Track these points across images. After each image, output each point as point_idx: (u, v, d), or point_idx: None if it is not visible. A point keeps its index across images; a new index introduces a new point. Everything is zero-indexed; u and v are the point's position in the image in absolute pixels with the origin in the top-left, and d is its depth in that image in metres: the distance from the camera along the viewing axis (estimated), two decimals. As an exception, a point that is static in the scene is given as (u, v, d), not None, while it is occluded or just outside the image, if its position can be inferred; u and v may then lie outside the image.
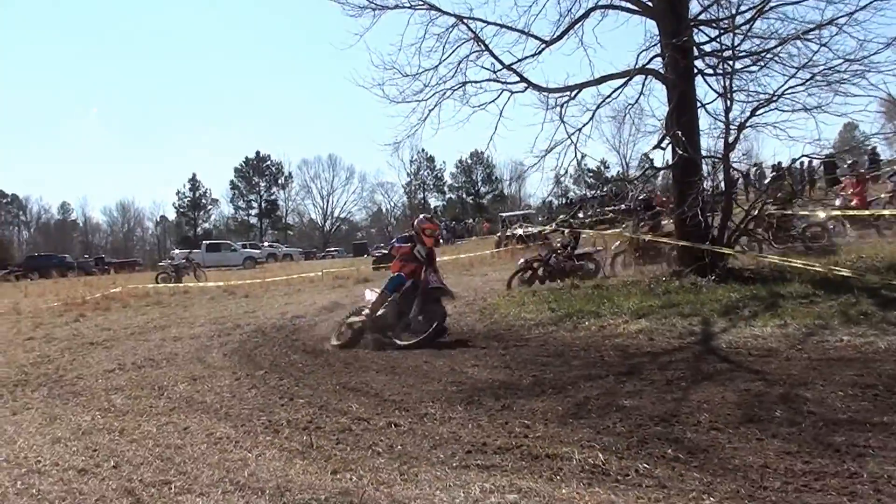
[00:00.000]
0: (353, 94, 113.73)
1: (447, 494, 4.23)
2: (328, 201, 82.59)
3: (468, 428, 5.60)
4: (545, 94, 13.67)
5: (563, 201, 58.58)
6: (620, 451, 4.78)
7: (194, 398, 7.43)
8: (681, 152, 11.93)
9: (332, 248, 67.26)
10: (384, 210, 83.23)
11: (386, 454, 5.12)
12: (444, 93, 13.69)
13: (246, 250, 52.48)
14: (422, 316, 10.16)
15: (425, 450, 5.15)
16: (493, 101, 13.72)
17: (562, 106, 13.59)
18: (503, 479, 4.40)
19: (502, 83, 13.71)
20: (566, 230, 17.88)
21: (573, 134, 13.44)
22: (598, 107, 13.55)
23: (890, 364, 6.29)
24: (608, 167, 70.45)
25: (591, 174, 73.01)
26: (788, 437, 4.75)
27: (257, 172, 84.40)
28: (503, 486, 4.28)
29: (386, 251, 33.23)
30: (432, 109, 13.70)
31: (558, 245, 16.68)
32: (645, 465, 4.49)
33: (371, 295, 10.84)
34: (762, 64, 11.46)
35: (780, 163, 27.06)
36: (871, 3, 10.33)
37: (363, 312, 10.59)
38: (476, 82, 13.78)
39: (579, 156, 13.08)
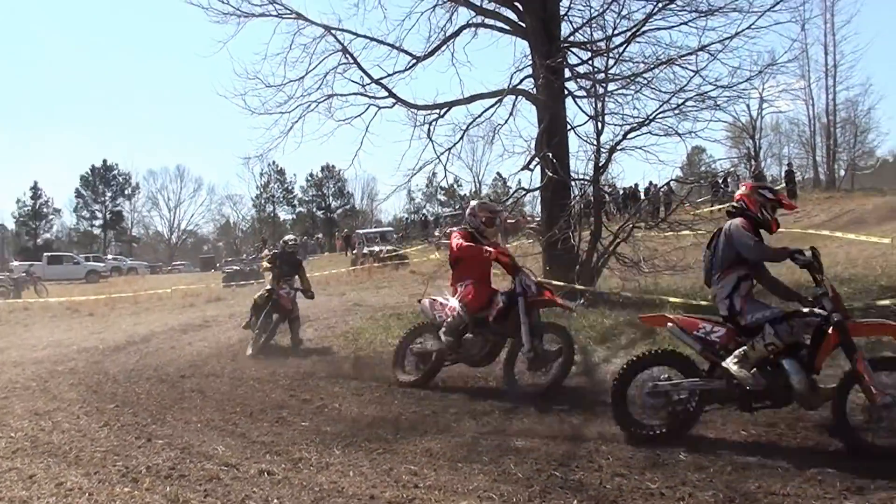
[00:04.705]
0: (210, 104, 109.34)
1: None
2: (175, 213, 78.46)
3: (349, 476, 5.07)
4: (414, 110, 13.40)
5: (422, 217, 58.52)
6: (522, 503, 4.33)
7: (39, 438, 6.56)
8: (550, 174, 11.82)
9: (179, 262, 63.79)
10: (232, 223, 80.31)
11: (262, 511, 4.53)
12: (309, 105, 13.40)
13: (89, 263, 48.98)
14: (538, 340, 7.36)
15: (306, 505, 4.58)
16: (360, 115, 13.50)
17: (430, 124, 13.35)
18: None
19: (370, 98, 13.47)
20: None
21: (442, 154, 13.21)
22: (468, 126, 13.40)
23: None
24: (461, 185, 71.03)
25: (444, 192, 73.38)
26: (700, 484, 4.44)
27: (103, 182, 79.04)
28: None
29: (238, 267, 30.80)
30: (296, 122, 13.38)
31: None
32: (552, 521, 4.06)
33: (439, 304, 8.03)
34: (635, 88, 11.55)
35: (636, 184, 27.88)
36: (742, 31, 10.63)
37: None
38: (343, 95, 13.54)
39: (450, 177, 12.95)
